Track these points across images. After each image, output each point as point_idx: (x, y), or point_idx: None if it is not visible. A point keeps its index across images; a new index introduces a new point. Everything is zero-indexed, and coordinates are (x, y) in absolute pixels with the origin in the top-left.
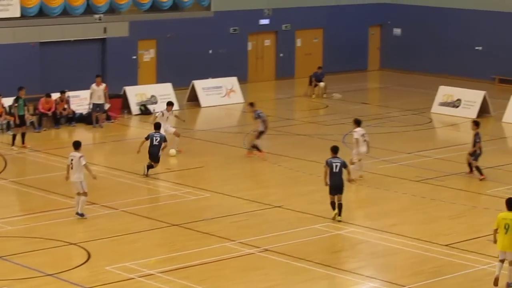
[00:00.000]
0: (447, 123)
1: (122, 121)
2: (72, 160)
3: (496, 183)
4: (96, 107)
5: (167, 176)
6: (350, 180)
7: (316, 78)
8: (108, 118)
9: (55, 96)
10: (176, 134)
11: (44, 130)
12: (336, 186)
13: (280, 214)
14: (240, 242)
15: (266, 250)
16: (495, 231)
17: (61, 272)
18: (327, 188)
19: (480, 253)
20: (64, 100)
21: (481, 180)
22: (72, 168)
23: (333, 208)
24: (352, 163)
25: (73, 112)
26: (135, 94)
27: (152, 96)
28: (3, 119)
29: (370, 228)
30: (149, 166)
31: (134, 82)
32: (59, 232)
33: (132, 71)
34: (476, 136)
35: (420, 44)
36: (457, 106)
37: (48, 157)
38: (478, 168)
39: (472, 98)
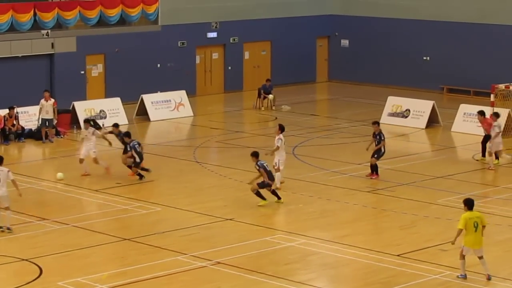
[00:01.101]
0: (397, 133)
1: (72, 136)
2: None
3: (447, 192)
4: (45, 122)
5: (118, 191)
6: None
7: (264, 91)
8: (58, 133)
9: (4, 112)
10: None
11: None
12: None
13: (232, 227)
14: (192, 255)
15: (218, 263)
16: (459, 231)
17: None
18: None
19: (432, 262)
20: (13, 116)
21: (373, 179)
22: None
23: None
24: (278, 170)
25: (22, 128)
26: (84, 109)
27: (101, 110)
28: None
29: (322, 239)
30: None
31: (83, 97)
32: (10, 248)
33: (80, 86)
34: (379, 135)
35: (368, 55)
36: (406, 116)
37: None
38: (375, 167)
39: (421, 108)
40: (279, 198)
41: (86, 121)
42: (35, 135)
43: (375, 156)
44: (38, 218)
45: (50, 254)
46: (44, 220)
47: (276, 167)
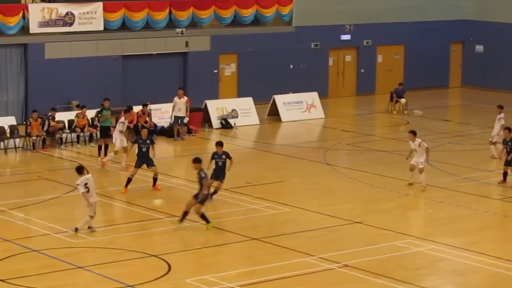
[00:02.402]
0: None
1: (203, 134)
2: (86, 184)
3: None
4: (178, 120)
5: (247, 190)
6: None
7: (397, 94)
8: (189, 131)
9: (137, 109)
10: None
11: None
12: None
13: (360, 230)
14: (320, 257)
15: (346, 265)
16: None
17: (142, 284)
18: (407, 204)
19: None
20: (146, 113)
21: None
22: (89, 191)
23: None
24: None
25: (155, 125)
26: (216, 107)
27: (233, 110)
28: (86, 131)
29: (451, 245)
30: None
31: (215, 96)
32: (140, 243)
33: (213, 85)
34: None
35: (503, 61)
36: None
37: (128, 170)
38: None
39: None
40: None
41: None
42: (167, 133)
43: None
44: (168, 214)
45: (179, 251)
46: (174, 217)
47: (421, 167)
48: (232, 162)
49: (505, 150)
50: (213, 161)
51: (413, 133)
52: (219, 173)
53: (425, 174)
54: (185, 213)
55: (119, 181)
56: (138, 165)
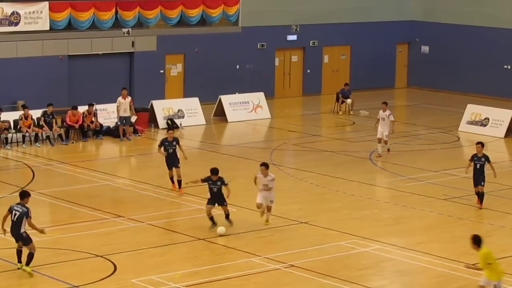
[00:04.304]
0: (475, 142)
1: (149, 134)
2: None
3: None
4: (123, 120)
5: (194, 190)
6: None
7: (343, 95)
8: (135, 131)
9: (83, 109)
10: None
11: (72, 143)
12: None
13: (306, 230)
14: (266, 258)
15: (292, 266)
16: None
17: (87, 284)
18: (353, 205)
19: (507, 273)
20: (91, 113)
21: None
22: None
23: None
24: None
25: (101, 125)
26: (162, 108)
27: (179, 110)
28: (31, 131)
29: (396, 245)
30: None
31: (161, 96)
32: (85, 244)
33: (159, 85)
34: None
35: (449, 62)
36: (485, 125)
37: (75, 170)
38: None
39: (500, 117)
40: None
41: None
42: (113, 133)
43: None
44: (114, 215)
45: (124, 252)
46: (119, 217)
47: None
48: (229, 190)
49: (471, 167)
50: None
51: (385, 103)
52: (216, 199)
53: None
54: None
55: (64, 182)
56: (169, 167)
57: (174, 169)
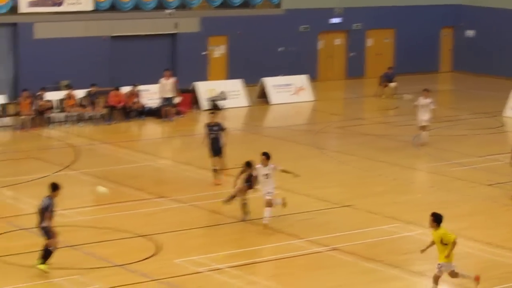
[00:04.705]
0: None
1: (192, 116)
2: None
3: None
4: (165, 101)
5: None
6: None
7: (386, 79)
8: (178, 112)
9: (126, 89)
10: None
11: (115, 123)
12: None
13: (349, 214)
14: (308, 240)
15: (334, 249)
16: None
17: (130, 264)
18: (397, 189)
19: None
20: (134, 94)
21: None
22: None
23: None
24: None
25: (143, 106)
26: (205, 89)
27: (222, 92)
28: (75, 111)
29: None
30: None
31: (204, 78)
32: (128, 224)
33: (202, 67)
34: None
35: (494, 46)
36: None
37: (117, 150)
38: None
39: None
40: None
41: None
42: (156, 114)
43: None
44: (157, 196)
45: (167, 232)
46: (162, 198)
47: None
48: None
49: None
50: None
51: (427, 90)
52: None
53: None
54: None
55: (107, 161)
56: (211, 154)
57: (216, 158)
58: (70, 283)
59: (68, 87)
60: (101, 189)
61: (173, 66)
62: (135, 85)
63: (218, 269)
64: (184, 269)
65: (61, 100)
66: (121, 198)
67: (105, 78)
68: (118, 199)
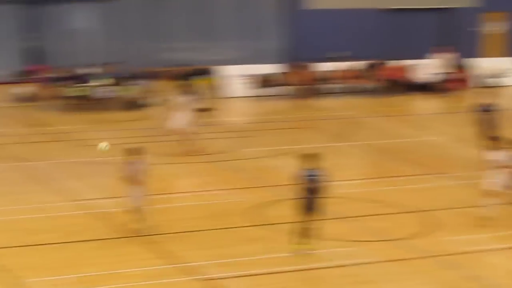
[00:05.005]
0: None
1: (465, 93)
2: None
3: None
4: (441, 76)
5: None
6: None
7: None
8: (452, 88)
9: (403, 63)
10: None
11: (393, 96)
12: None
13: None
14: None
15: None
16: None
17: (399, 240)
18: None
19: None
20: (409, 68)
21: None
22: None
23: None
24: None
25: (419, 81)
26: (479, 66)
27: (499, 69)
28: (351, 83)
29: None
30: None
31: (479, 55)
32: (402, 198)
33: (477, 43)
34: None
35: None
36: None
37: (391, 124)
38: None
39: None
40: None
41: None
42: (430, 88)
43: None
44: (435, 172)
45: (446, 209)
46: (442, 174)
47: None
48: None
49: None
50: None
51: None
52: None
53: None
54: None
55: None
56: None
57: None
58: (338, 255)
59: (346, 58)
60: (102, 145)
61: (449, 42)
62: (403, 59)
63: (489, 250)
64: (456, 248)
65: (333, 72)
66: (396, 172)
67: (378, 51)
68: (393, 173)
